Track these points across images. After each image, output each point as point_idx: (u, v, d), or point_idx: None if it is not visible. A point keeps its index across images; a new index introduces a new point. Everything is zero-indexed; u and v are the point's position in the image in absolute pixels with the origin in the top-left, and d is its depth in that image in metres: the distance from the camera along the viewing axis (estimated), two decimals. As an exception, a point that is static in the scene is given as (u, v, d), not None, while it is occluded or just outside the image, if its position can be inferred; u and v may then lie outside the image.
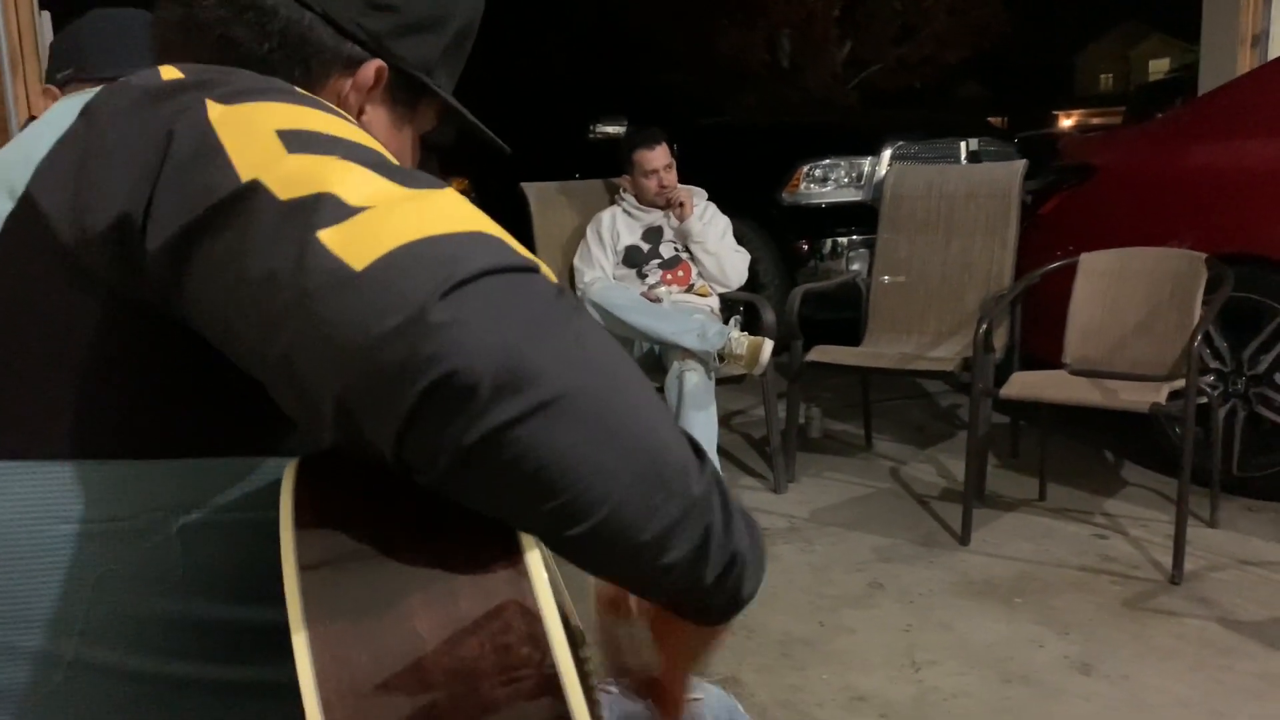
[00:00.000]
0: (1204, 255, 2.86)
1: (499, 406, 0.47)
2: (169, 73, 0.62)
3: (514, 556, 0.51)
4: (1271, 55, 4.32)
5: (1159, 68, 34.73)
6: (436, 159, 4.12)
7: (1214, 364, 3.12)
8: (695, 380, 2.95)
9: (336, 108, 0.62)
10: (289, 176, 0.53)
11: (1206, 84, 4.71)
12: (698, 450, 0.56)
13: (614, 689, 0.94)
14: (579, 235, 3.47)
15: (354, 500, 0.53)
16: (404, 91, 0.77)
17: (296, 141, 0.55)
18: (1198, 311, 2.81)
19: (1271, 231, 3.01)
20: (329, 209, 0.51)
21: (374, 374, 0.48)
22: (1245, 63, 4.57)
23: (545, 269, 0.53)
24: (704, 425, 2.97)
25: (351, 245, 0.49)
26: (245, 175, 0.53)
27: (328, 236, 0.50)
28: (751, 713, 2.28)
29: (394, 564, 0.50)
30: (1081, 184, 3.62)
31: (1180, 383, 2.69)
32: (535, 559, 0.52)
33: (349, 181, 0.52)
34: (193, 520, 0.60)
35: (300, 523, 0.51)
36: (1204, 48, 5.04)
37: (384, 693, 0.47)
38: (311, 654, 0.47)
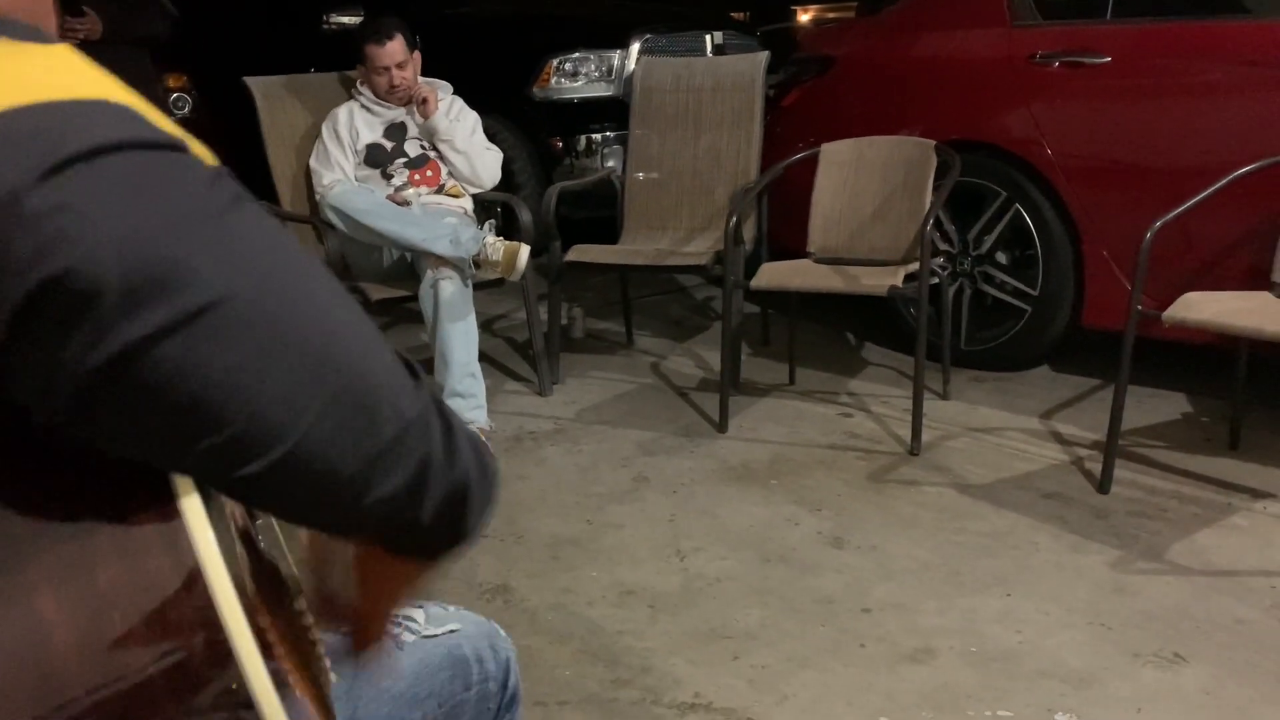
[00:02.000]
0: (933, 143, 3.01)
1: (135, 316, 0.37)
2: None
3: (165, 505, 0.42)
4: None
5: (888, -36, 36.44)
6: (150, 53, 3.70)
7: (944, 246, 3.32)
8: (451, 290, 2.84)
9: None
10: None
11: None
12: (411, 369, 0.48)
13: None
14: (314, 134, 3.22)
15: None
16: None
17: None
18: (929, 197, 2.96)
19: (991, 118, 3.20)
20: None
21: None
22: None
23: (200, 148, 0.43)
24: (463, 335, 2.87)
25: None
26: None
27: None
28: (523, 619, 2.25)
29: (7, 530, 0.40)
30: (820, 76, 3.72)
31: (915, 266, 2.84)
32: (194, 505, 0.42)
33: None
34: None
35: None
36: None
37: None
38: None
